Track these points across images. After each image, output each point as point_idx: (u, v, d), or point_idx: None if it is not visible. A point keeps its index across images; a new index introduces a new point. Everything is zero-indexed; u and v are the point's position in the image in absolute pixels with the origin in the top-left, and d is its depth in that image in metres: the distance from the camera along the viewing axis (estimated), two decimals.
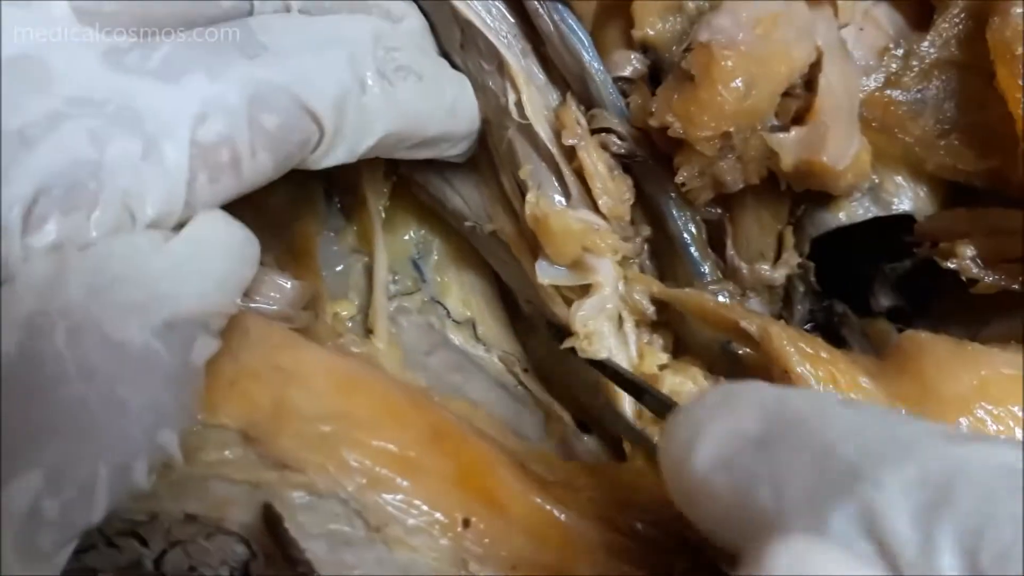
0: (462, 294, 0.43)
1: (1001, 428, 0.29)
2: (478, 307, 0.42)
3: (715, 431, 0.21)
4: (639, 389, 0.34)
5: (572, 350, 0.35)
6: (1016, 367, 0.30)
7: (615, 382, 0.35)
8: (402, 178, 0.43)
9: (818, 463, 0.19)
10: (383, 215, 0.42)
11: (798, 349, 0.31)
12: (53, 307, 0.24)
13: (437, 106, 0.35)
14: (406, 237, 0.43)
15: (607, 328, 0.36)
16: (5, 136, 0.24)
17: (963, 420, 0.29)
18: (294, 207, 0.41)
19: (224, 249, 0.28)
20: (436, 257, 0.43)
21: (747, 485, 0.20)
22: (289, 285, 0.33)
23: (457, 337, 0.41)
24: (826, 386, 0.30)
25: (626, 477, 0.35)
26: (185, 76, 0.27)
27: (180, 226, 0.27)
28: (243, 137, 0.27)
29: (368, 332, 0.39)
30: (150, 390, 0.24)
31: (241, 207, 0.29)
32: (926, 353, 0.31)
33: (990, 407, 0.29)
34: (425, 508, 0.28)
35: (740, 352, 0.35)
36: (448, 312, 0.42)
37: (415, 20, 0.36)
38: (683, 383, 0.35)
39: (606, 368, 0.35)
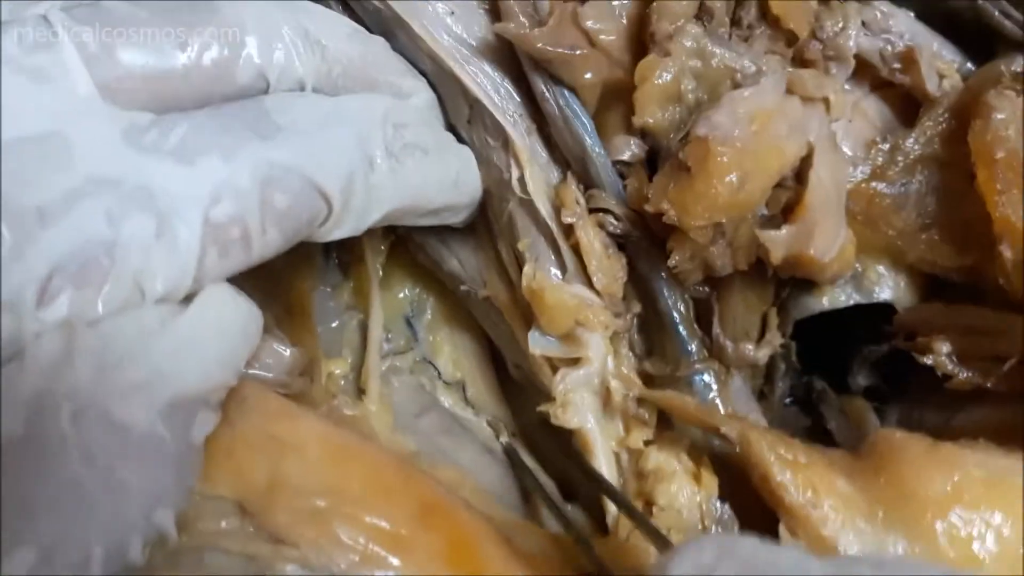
0: (454, 354, 0.43)
1: (975, 532, 0.30)
2: (469, 368, 0.43)
3: None
4: (629, 509, 0.34)
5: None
6: (986, 469, 0.31)
7: (611, 500, 0.36)
8: (400, 237, 0.43)
9: None
10: (380, 273, 0.43)
11: (777, 456, 0.32)
12: (60, 388, 0.24)
13: (442, 179, 0.36)
14: (401, 295, 0.44)
15: (588, 401, 0.37)
16: (24, 214, 0.24)
17: (939, 524, 0.30)
18: (292, 262, 0.41)
19: (229, 326, 0.28)
20: (429, 316, 0.44)
21: None
22: (287, 352, 0.33)
23: (447, 399, 0.42)
24: (805, 492, 0.31)
25: (609, 551, 0.35)
26: (200, 157, 0.27)
27: (188, 298, 0.28)
28: (254, 216, 0.28)
29: (360, 392, 0.40)
30: (151, 471, 0.25)
31: None
32: (901, 454, 0.32)
33: (963, 512, 0.30)
34: None
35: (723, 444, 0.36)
36: (439, 373, 0.43)
37: (424, 95, 0.37)
38: (668, 460, 0.36)
39: (602, 486, 0.36)
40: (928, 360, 0.36)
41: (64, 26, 0.27)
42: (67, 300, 0.25)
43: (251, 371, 0.32)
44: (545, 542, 0.35)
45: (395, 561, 0.29)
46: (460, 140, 0.38)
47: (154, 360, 0.26)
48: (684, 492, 0.36)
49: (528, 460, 0.41)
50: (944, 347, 0.36)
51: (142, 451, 0.25)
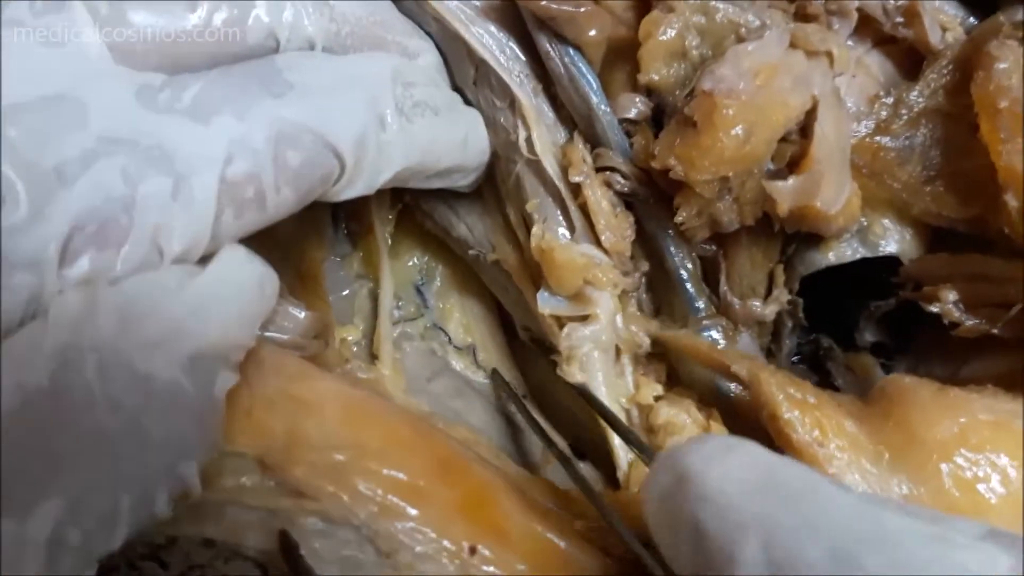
0: (463, 320, 0.43)
1: (980, 474, 0.30)
2: (479, 333, 0.43)
3: (706, 481, 0.22)
4: (614, 422, 0.35)
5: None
6: (993, 413, 0.31)
7: (596, 411, 0.36)
8: (407, 206, 0.43)
9: (801, 537, 0.20)
10: (389, 242, 0.43)
11: (786, 395, 0.32)
12: (84, 341, 0.24)
13: (451, 140, 0.36)
14: (410, 263, 0.44)
15: (597, 357, 0.37)
16: (43, 174, 0.25)
17: (944, 466, 0.30)
18: (302, 233, 0.41)
19: (246, 285, 0.28)
20: (439, 283, 0.44)
21: (730, 538, 0.21)
22: (302, 315, 0.33)
23: (458, 363, 0.42)
24: (812, 431, 0.31)
25: (621, 504, 0.35)
26: (214, 116, 0.27)
27: (204, 258, 0.28)
28: (268, 174, 0.28)
29: (373, 357, 0.40)
30: (175, 423, 0.25)
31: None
32: (909, 398, 0.32)
33: (969, 454, 0.30)
34: (433, 535, 0.29)
35: (732, 390, 0.36)
36: (449, 338, 0.43)
37: (431, 56, 0.37)
38: (677, 414, 0.36)
39: (585, 395, 0.36)
40: (935, 308, 0.36)
41: None
42: (88, 259, 0.25)
43: (267, 333, 0.33)
44: (556, 496, 0.35)
45: (413, 511, 0.29)
46: (467, 102, 0.38)
47: (174, 317, 0.26)
48: None
49: (540, 421, 0.41)
50: (951, 295, 0.36)
51: (165, 402, 0.25)
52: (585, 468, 0.40)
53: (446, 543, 0.29)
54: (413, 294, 0.43)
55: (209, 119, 0.27)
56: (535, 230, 0.37)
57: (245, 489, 0.29)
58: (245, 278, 0.28)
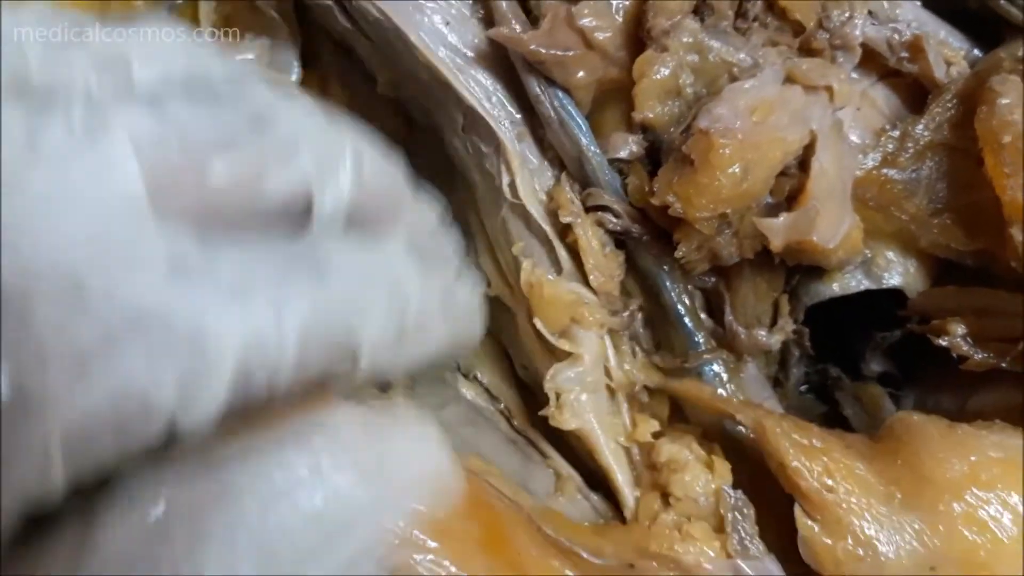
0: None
1: (992, 513, 0.28)
2: (487, 362, 0.42)
3: None
4: None
5: None
6: (1003, 450, 0.29)
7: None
8: None
9: None
10: None
11: (793, 442, 0.30)
12: None
13: (453, 342, 0.32)
14: None
15: (586, 400, 0.35)
16: (62, 357, 0.21)
17: (956, 505, 0.28)
18: None
19: None
20: None
21: None
22: None
23: (469, 392, 0.41)
24: (821, 477, 0.29)
25: (632, 538, 0.34)
26: (245, 297, 0.23)
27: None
28: (286, 369, 0.24)
29: (384, 386, 0.39)
30: None
31: None
32: (918, 437, 0.29)
33: (980, 492, 0.28)
34: (454, 570, 0.28)
35: (739, 430, 0.34)
36: (458, 366, 0.42)
37: (433, 215, 0.33)
38: (680, 451, 0.34)
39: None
40: (943, 342, 0.34)
41: (116, 111, 0.23)
42: (102, 448, 0.21)
43: None
44: (570, 531, 0.33)
45: (433, 544, 0.28)
46: (452, 150, 0.37)
47: None
48: (699, 481, 0.34)
49: (550, 452, 0.39)
50: (959, 329, 0.34)
51: None
52: (598, 501, 0.38)
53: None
54: None
55: (239, 300, 0.23)
56: (525, 265, 0.36)
57: None
58: None
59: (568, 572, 0.30)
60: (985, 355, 0.33)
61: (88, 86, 0.24)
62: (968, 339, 0.34)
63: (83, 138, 0.22)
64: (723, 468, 0.33)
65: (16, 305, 0.21)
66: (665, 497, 0.34)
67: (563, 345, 0.36)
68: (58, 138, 0.22)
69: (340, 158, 0.27)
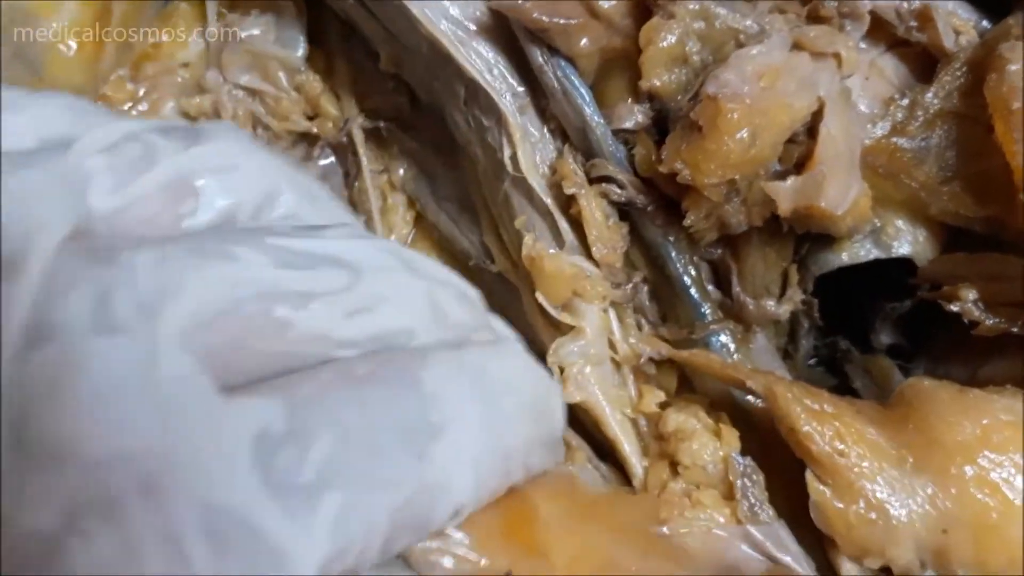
0: None
1: (1004, 475, 0.27)
2: None
3: None
4: None
5: None
6: (1014, 413, 0.28)
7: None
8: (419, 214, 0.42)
9: None
10: (407, 244, 0.42)
11: (804, 407, 0.29)
12: None
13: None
14: None
15: (590, 372, 0.35)
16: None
17: (968, 468, 0.27)
18: None
19: None
20: None
21: None
22: None
23: None
24: (833, 441, 0.29)
25: (642, 507, 0.33)
26: (335, 494, 0.20)
27: None
28: (368, 560, 0.21)
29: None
30: None
31: None
32: (928, 401, 0.29)
33: (992, 455, 0.27)
34: (473, 556, 0.27)
35: (748, 399, 0.34)
36: None
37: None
38: (687, 420, 0.34)
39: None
40: (955, 308, 0.34)
41: (184, 265, 0.20)
42: None
43: None
44: (587, 498, 0.33)
45: (458, 536, 0.27)
46: (454, 124, 0.37)
47: None
48: (707, 449, 0.33)
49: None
50: (970, 295, 0.33)
51: None
52: (607, 470, 0.38)
53: (484, 563, 0.27)
54: None
55: (327, 494, 0.20)
56: (526, 239, 0.35)
57: None
58: None
59: (594, 536, 0.30)
60: (996, 320, 0.33)
61: (156, 229, 0.21)
62: (979, 304, 0.33)
63: (149, 308, 0.19)
64: (731, 435, 0.33)
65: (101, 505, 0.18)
66: (673, 466, 0.34)
67: (565, 319, 0.35)
68: (126, 309, 0.18)
69: (420, 304, 0.25)
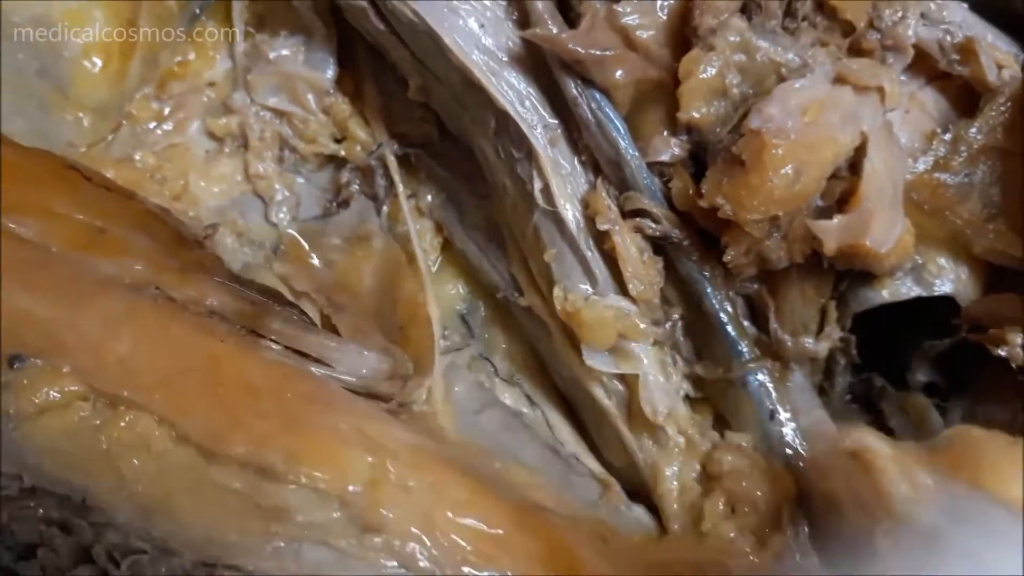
0: (510, 351, 0.40)
1: None
2: (524, 365, 0.40)
3: None
4: None
5: None
6: None
7: None
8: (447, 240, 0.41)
9: None
10: (433, 269, 0.41)
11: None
12: None
13: None
14: (453, 291, 0.41)
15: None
16: None
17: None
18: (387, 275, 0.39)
19: None
20: (483, 312, 0.41)
21: None
22: (366, 355, 0.31)
23: (508, 396, 0.39)
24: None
25: (681, 547, 0.32)
26: None
27: None
28: None
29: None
30: None
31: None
32: (979, 452, 0.28)
33: None
34: None
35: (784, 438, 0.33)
36: (495, 369, 0.40)
37: None
38: (738, 460, 0.33)
39: None
40: (1003, 352, 0.32)
41: None
42: None
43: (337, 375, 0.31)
44: (619, 541, 0.32)
45: (496, 561, 0.27)
46: (480, 152, 0.36)
47: None
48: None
49: (591, 462, 0.38)
50: (1018, 339, 0.32)
51: None
52: (640, 512, 0.36)
53: None
54: (458, 323, 0.41)
55: None
56: (556, 292, 0.34)
57: (315, 526, 0.26)
58: None
59: None
60: None
61: None
62: None
63: None
64: (786, 480, 0.32)
65: None
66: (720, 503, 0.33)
67: (624, 369, 0.34)
68: None
69: None
